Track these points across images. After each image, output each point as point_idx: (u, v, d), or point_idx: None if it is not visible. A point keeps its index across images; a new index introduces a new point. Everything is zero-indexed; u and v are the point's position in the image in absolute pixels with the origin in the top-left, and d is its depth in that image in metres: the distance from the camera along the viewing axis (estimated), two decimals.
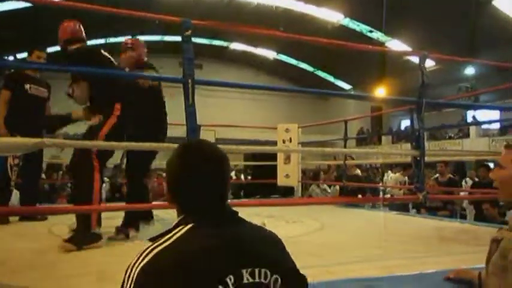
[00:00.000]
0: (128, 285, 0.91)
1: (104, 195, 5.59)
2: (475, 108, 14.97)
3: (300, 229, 3.68)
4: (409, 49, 16.25)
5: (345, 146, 6.18)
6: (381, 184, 8.99)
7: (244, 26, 3.96)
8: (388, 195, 7.33)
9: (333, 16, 15.99)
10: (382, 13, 13.94)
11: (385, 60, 15.63)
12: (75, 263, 2.38)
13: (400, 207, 6.35)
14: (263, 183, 7.05)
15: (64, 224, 3.49)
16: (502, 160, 1.61)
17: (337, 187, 6.41)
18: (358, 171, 6.85)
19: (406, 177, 7.23)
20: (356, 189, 6.19)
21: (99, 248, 2.78)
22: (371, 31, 16.43)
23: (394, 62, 15.54)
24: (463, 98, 13.56)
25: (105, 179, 5.98)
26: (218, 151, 1.07)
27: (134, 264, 0.92)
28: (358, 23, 16.30)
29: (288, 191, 7.32)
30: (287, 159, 6.18)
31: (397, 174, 8.02)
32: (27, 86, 3.89)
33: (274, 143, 6.52)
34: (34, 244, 2.84)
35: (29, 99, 3.91)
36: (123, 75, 2.94)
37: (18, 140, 1.97)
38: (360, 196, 6.07)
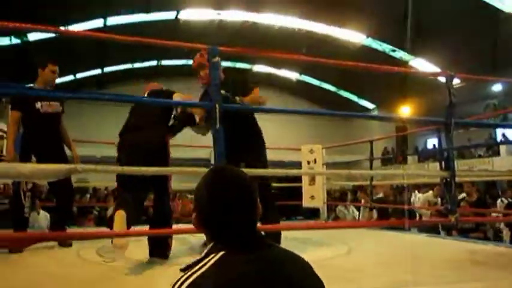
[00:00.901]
0: None
1: None
2: (505, 127, 14.57)
3: (326, 252, 3.61)
4: (433, 67, 16.06)
5: (371, 167, 6.09)
6: (408, 206, 8.79)
7: (269, 50, 4.03)
8: (417, 216, 7.12)
9: (355, 37, 16.05)
10: (404, 32, 13.90)
11: (408, 79, 15.49)
12: (107, 286, 2.40)
13: (430, 229, 6.17)
14: (287, 204, 7.01)
15: (92, 247, 3.56)
16: None
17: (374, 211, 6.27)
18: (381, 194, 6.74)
19: (439, 199, 7.02)
20: (384, 211, 6.07)
21: (133, 270, 2.82)
22: (394, 50, 16.37)
23: (418, 81, 15.37)
24: (491, 116, 13.26)
25: None
26: (245, 177, 1.08)
27: None
28: (380, 43, 16.29)
29: (313, 213, 7.24)
30: (312, 180, 6.13)
31: (428, 194, 7.80)
32: (38, 105, 3.59)
33: (298, 164, 6.49)
34: (64, 269, 2.89)
35: (42, 118, 3.62)
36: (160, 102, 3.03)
37: (51, 166, 2.03)
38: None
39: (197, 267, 0.96)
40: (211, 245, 1.03)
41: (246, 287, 0.92)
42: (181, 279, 0.94)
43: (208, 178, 1.08)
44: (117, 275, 2.78)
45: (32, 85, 3.77)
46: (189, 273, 0.95)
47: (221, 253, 0.98)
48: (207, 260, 0.98)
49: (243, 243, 1.00)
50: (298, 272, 1.02)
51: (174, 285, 0.94)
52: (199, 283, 0.92)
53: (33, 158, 3.58)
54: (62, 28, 8.48)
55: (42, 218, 5.92)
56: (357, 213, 6.82)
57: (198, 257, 1.00)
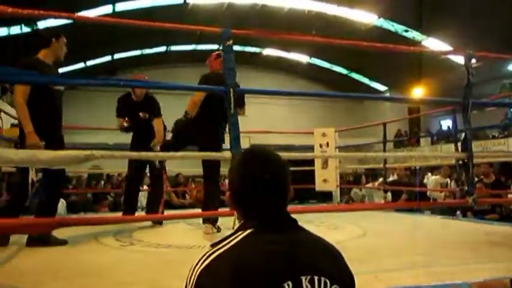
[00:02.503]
0: (190, 287, 0.95)
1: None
2: None
3: (342, 235, 3.62)
4: (446, 46, 15.74)
5: (384, 149, 6.05)
6: (421, 188, 8.73)
7: (280, 32, 3.97)
8: (431, 199, 7.08)
9: (367, 17, 15.73)
10: (417, 12, 13.59)
11: (421, 60, 15.21)
12: (126, 270, 2.44)
13: (444, 210, 6.13)
14: (300, 188, 7.01)
15: (109, 232, 3.62)
16: None
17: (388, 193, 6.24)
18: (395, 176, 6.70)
19: (448, 180, 6.97)
20: (398, 193, 6.04)
21: (150, 254, 2.86)
22: (406, 30, 16.04)
23: (430, 62, 15.08)
24: (507, 96, 12.97)
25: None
26: (277, 158, 1.09)
27: (195, 267, 0.96)
28: (392, 23, 15.96)
29: (326, 196, 7.25)
30: (325, 164, 6.13)
31: (438, 176, 7.74)
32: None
33: (311, 148, 6.47)
34: (83, 254, 2.94)
35: (54, 96, 3.20)
36: (173, 86, 3.01)
37: (70, 153, 2.04)
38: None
39: (225, 242, 0.99)
40: (241, 223, 1.06)
41: (269, 265, 0.93)
42: (208, 253, 0.98)
43: (241, 159, 1.12)
44: (135, 258, 2.83)
45: (37, 57, 3.17)
46: (217, 247, 0.98)
47: (249, 231, 1.00)
48: (234, 236, 1.00)
49: (271, 223, 1.02)
50: (325, 256, 1.01)
51: (201, 258, 0.97)
52: (225, 256, 0.95)
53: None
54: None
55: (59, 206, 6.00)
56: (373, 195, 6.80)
57: (228, 234, 1.03)
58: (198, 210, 4.56)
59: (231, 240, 0.99)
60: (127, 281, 2.17)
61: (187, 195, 8.03)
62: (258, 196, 1.03)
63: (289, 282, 0.91)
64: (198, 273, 0.94)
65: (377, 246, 3.17)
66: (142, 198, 5.67)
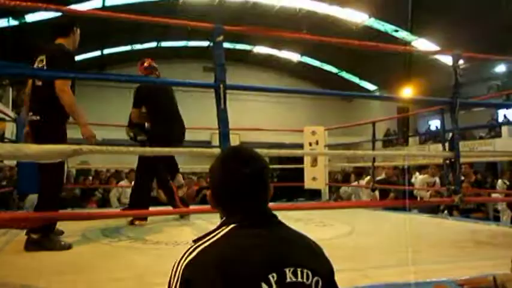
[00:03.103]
0: (174, 281, 0.95)
1: None
2: (510, 107, 14.47)
3: (330, 232, 3.65)
4: (435, 47, 15.90)
5: (373, 148, 6.09)
6: (409, 187, 8.80)
7: (272, 30, 3.98)
8: (418, 197, 7.15)
9: (357, 17, 15.82)
10: (407, 12, 13.68)
11: (411, 60, 15.35)
12: (113, 266, 2.43)
13: (430, 209, 6.20)
14: (289, 186, 7.03)
15: (97, 228, 3.59)
16: None
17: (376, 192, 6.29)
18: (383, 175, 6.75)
19: (437, 179, 7.04)
20: (386, 192, 6.09)
21: (135, 250, 2.85)
22: (396, 30, 16.17)
23: (419, 62, 15.23)
24: (494, 97, 13.16)
25: None
26: (257, 156, 1.11)
27: (180, 261, 0.97)
28: (383, 23, 16.07)
29: (314, 194, 7.28)
30: (314, 161, 6.14)
31: (425, 176, 7.82)
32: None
33: (300, 146, 6.49)
34: (73, 249, 2.90)
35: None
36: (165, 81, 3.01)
37: (58, 147, 2.02)
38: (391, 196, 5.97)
39: (208, 237, 1.01)
40: (223, 219, 1.07)
41: (254, 258, 0.95)
42: (193, 247, 0.99)
43: (223, 157, 1.13)
44: (123, 254, 2.81)
45: (64, 45, 3.03)
46: (199, 242, 1.00)
47: (231, 226, 1.02)
48: (217, 232, 1.02)
49: (253, 219, 1.03)
50: (305, 251, 1.04)
51: (184, 253, 0.99)
52: (208, 251, 0.96)
53: None
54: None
55: None
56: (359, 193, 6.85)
57: (210, 230, 1.04)
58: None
59: (215, 235, 1.01)
60: (115, 277, 2.16)
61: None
62: (238, 192, 1.05)
63: (274, 274, 0.93)
64: (183, 266, 0.95)
65: (365, 243, 3.20)
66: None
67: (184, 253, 0.98)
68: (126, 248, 3.00)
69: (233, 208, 1.06)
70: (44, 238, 2.77)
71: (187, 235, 3.39)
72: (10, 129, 6.99)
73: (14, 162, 5.15)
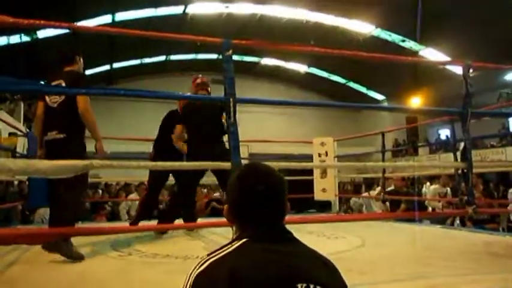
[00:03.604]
0: None
1: None
2: None
3: (342, 245, 3.61)
4: (443, 56, 15.84)
5: (383, 159, 6.05)
6: (419, 197, 8.70)
7: (280, 43, 4.00)
8: (430, 208, 7.06)
9: (364, 27, 15.86)
10: (414, 22, 13.68)
11: (418, 69, 15.31)
12: (125, 281, 2.42)
13: (441, 220, 6.11)
14: (298, 197, 6.99)
15: (107, 242, 3.59)
16: None
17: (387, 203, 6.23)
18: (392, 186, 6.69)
19: (449, 189, 6.95)
20: (396, 203, 6.02)
21: (149, 265, 2.84)
22: (403, 40, 16.17)
23: (428, 71, 15.18)
24: (505, 106, 13.05)
25: None
26: (274, 173, 1.13)
27: (191, 272, 0.99)
28: (390, 33, 16.09)
29: (324, 205, 7.22)
30: (324, 173, 6.12)
31: (437, 186, 7.72)
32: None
33: (310, 157, 6.47)
34: (81, 265, 2.90)
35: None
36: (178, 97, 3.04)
37: (68, 163, 2.04)
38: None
39: (220, 250, 1.02)
40: (237, 234, 1.09)
41: (266, 272, 0.94)
42: (204, 259, 1.01)
43: (241, 172, 1.15)
44: (134, 269, 2.80)
45: (76, 71, 3.30)
46: (212, 255, 1.01)
47: (244, 240, 1.03)
48: (230, 245, 1.03)
49: (266, 234, 1.05)
50: (318, 266, 1.03)
51: (197, 264, 1.00)
52: (219, 263, 0.97)
53: None
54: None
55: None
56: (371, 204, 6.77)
57: (223, 244, 1.05)
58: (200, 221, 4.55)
59: (227, 249, 1.02)
60: None
61: None
62: (254, 208, 1.07)
63: None
64: (194, 276, 0.97)
65: (376, 256, 3.15)
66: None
67: (196, 265, 1.00)
68: (137, 262, 2.99)
69: (247, 223, 1.08)
70: (62, 241, 2.81)
71: (197, 249, 3.38)
72: (22, 142, 7.06)
73: (24, 177, 5.19)
